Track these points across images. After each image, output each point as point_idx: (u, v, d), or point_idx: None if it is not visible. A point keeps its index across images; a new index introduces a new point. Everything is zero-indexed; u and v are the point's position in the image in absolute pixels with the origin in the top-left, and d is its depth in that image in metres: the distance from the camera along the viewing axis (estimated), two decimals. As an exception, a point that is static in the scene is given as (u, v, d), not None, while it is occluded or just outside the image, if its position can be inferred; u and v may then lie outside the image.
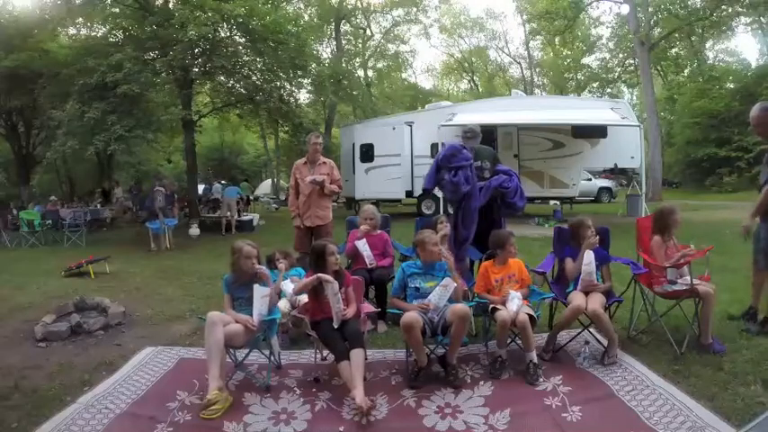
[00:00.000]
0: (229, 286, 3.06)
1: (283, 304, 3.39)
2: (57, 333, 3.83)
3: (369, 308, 3.26)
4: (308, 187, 4.50)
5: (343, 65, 20.76)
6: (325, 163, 4.62)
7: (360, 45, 26.54)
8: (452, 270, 3.05)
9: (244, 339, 2.88)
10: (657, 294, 3.41)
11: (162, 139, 15.64)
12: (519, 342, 3.09)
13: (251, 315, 2.89)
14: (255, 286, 2.91)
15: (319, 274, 2.89)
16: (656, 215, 3.56)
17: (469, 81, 35.26)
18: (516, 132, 11.93)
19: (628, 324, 3.58)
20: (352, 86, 19.28)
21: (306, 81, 14.50)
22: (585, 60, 30.45)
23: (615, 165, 12.12)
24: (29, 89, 13.15)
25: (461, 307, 2.85)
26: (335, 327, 2.84)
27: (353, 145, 13.67)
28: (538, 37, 29.11)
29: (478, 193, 3.89)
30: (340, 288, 2.93)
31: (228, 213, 11.94)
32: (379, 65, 28.46)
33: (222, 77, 13.30)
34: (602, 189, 18.97)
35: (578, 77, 31.13)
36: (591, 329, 3.29)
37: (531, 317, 2.97)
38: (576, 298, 3.12)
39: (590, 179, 18.03)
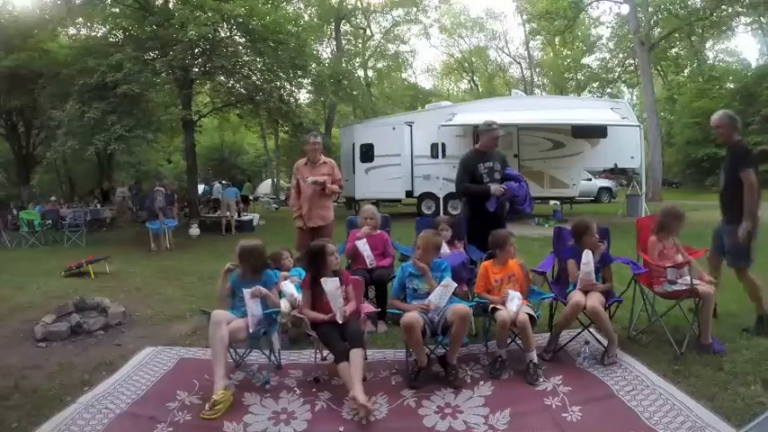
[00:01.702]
0: (234, 281, 3.08)
1: (284, 304, 3.39)
2: (57, 333, 3.82)
3: (369, 308, 3.26)
4: (309, 188, 4.49)
5: (343, 65, 20.78)
6: (326, 163, 4.62)
7: (360, 45, 26.57)
8: (427, 276, 3.04)
9: (245, 334, 2.88)
10: (657, 294, 3.41)
11: (162, 139, 15.64)
12: (519, 342, 3.09)
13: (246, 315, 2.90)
14: (244, 290, 2.91)
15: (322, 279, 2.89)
16: (661, 212, 3.54)
17: (469, 81, 35.29)
18: (516, 132, 11.93)
19: (628, 324, 3.58)
20: (352, 86, 19.29)
21: (306, 81, 14.52)
22: (585, 60, 30.51)
23: (615, 165, 12.13)
24: (29, 89, 13.16)
25: (462, 307, 2.85)
26: (340, 322, 2.84)
27: (353, 145, 13.67)
28: (538, 37, 29.13)
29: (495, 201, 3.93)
30: (339, 282, 2.94)
31: (228, 213, 11.95)
32: (379, 65, 28.51)
33: (222, 77, 13.30)
34: (602, 189, 18.99)
35: (578, 77, 31.15)
36: (591, 329, 3.29)
37: (531, 317, 2.97)
38: (576, 295, 3.13)
39: (590, 179, 18.04)
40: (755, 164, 3.41)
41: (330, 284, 2.87)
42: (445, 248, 3.81)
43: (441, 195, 11.93)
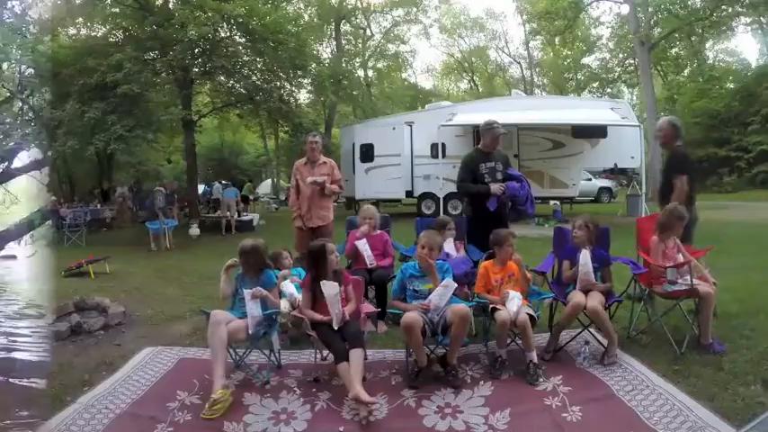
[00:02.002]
0: (238, 278, 3.11)
1: (284, 304, 3.39)
2: (57, 333, 3.83)
3: (369, 308, 3.26)
4: (308, 188, 4.50)
5: (343, 65, 20.76)
6: (325, 163, 4.62)
7: (360, 45, 26.55)
8: (433, 275, 3.04)
9: (245, 334, 2.90)
10: (657, 295, 3.41)
11: (162, 139, 15.60)
12: (519, 342, 3.08)
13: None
14: (244, 291, 2.94)
15: (322, 282, 2.89)
16: (664, 212, 3.53)
17: (469, 81, 35.22)
18: (516, 132, 11.91)
19: (628, 324, 3.58)
20: (352, 86, 19.27)
21: (306, 81, 14.55)
22: (585, 60, 30.45)
23: (615, 165, 12.12)
24: (28, 89, 13.20)
25: (462, 307, 2.84)
26: (335, 328, 2.83)
27: (353, 145, 13.66)
28: (538, 37, 29.06)
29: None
30: (339, 287, 2.93)
31: (228, 213, 11.96)
32: (379, 65, 28.48)
33: (222, 77, 13.31)
34: (602, 189, 18.97)
35: (578, 77, 31.09)
36: (591, 329, 3.29)
37: (531, 317, 2.97)
38: (576, 296, 3.13)
39: (590, 179, 18.02)
40: (692, 171, 3.77)
41: (329, 289, 2.85)
42: (452, 247, 3.83)
43: (441, 195, 11.92)
